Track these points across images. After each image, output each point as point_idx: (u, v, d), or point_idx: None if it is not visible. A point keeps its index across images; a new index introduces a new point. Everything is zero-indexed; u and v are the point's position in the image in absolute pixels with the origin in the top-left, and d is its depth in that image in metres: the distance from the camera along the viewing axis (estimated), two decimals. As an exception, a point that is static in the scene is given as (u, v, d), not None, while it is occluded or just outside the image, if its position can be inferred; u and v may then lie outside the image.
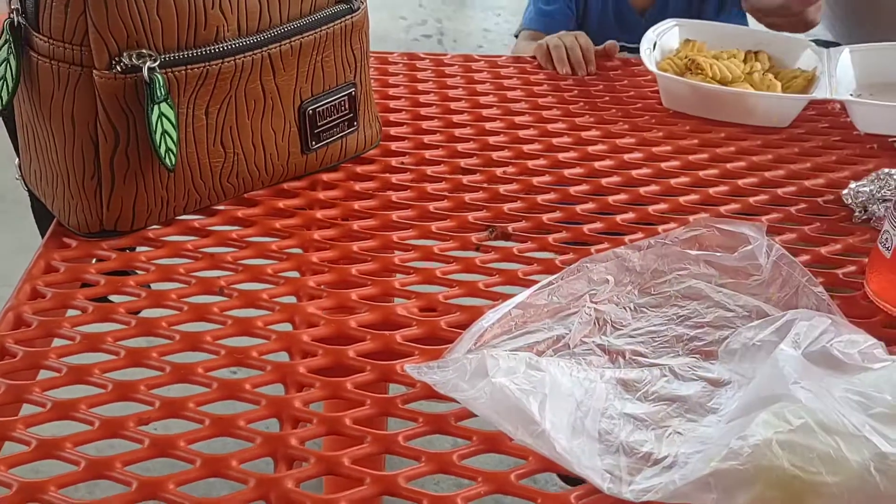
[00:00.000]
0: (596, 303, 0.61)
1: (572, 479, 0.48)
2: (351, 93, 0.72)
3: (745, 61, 0.95)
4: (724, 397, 0.54)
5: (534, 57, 1.04)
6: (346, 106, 0.72)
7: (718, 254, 0.64)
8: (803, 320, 0.55)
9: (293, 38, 0.65)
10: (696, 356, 0.58)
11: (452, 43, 3.27)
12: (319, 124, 0.70)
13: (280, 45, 0.64)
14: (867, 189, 0.74)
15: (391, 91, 0.93)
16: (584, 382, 0.54)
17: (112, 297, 0.61)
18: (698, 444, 0.49)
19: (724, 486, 0.44)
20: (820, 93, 0.87)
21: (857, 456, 0.44)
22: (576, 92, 0.96)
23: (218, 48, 0.60)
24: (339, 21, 0.68)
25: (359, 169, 0.77)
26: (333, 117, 0.71)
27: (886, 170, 0.75)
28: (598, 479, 0.47)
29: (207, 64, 0.60)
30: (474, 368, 0.52)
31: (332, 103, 0.71)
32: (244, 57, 0.62)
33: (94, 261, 0.64)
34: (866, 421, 0.46)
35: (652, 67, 0.89)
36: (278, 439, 0.49)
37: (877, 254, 0.63)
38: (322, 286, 0.62)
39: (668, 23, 0.99)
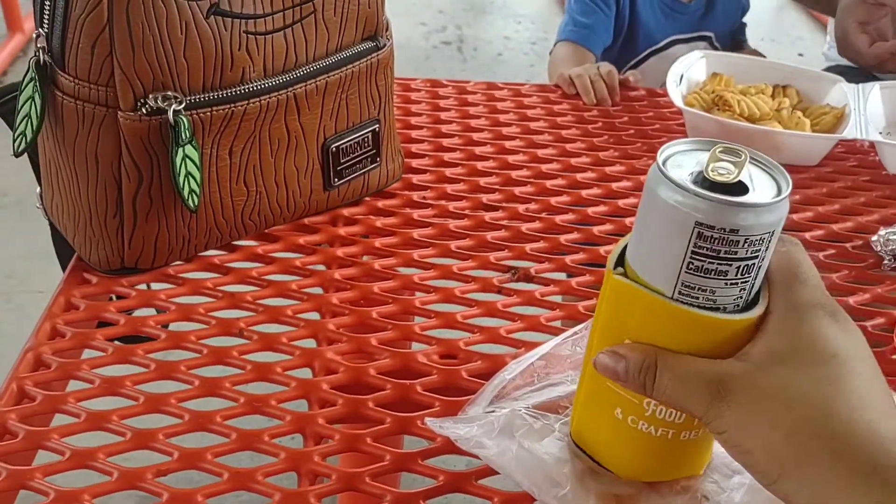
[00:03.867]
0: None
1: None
2: (375, 129, 0.71)
3: (773, 96, 0.94)
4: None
5: (557, 85, 1.03)
6: (370, 142, 0.71)
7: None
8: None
9: (318, 78, 0.64)
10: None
11: (472, 51, 3.26)
12: (342, 161, 0.70)
13: (305, 85, 0.63)
14: None
15: (413, 120, 0.92)
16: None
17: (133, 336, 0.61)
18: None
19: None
20: (850, 132, 0.86)
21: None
22: (600, 124, 0.95)
23: (243, 89, 0.60)
24: (365, 59, 0.67)
25: (380, 203, 0.77)
26: (356, 154, 0.71)
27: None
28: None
29: (233, 105, 0.60)
30: (501, 426, 0.51)
31: (356, 140, 0.70)
32: (269, 98, 0.61)
33: (113, 297, 0.64)
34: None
35: (678, 103, 0.87)
36: (296, 495, 0.49)
37: (907, 309, 0.62)
38: (342, 329, 0.62)
39: (695, 55, 0.98)
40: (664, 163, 0.43)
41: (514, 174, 0.84)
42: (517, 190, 0.81)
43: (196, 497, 0.48)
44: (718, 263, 0.41)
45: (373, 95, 0.70)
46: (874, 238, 0.75)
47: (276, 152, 0.65)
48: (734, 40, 1.34)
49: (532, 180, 0.83)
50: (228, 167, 0.62)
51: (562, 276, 0.70)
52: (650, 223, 0.43)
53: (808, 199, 0.83)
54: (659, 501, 0.50)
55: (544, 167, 0.85)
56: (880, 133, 0.91)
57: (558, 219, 0.77)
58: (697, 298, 0.42)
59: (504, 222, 0.76)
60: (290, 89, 0.63)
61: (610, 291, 0.45)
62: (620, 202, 0.80)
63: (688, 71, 0.96)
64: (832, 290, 0.70)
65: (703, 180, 0.42)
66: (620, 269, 0.44)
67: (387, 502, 0.49)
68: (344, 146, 0.69)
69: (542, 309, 0.66)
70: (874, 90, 0.93)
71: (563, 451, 0.51)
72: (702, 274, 0.42)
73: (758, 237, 0.41)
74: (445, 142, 0.89)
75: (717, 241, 0.41)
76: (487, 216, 0.76)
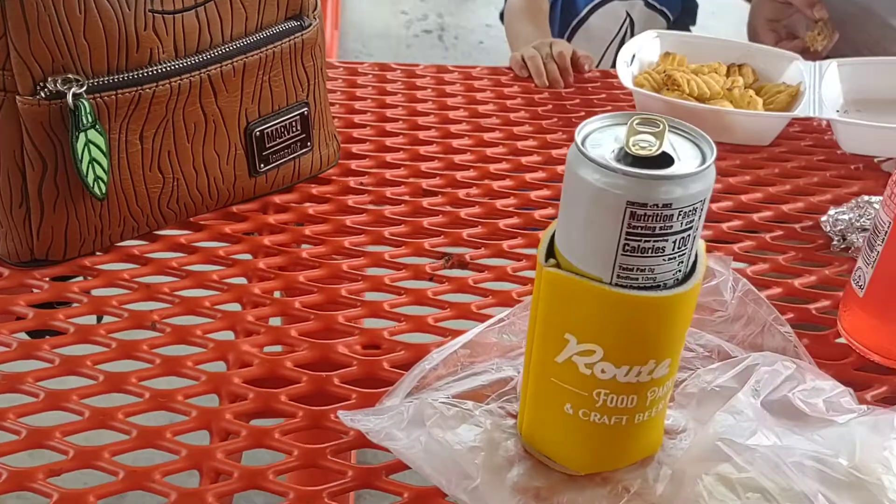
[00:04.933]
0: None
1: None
2: (303, 112, 0.69)
3: (728, 75, 0.92)
4: (677, 448, 0.51)
5: (510, 67, 1.01)
6: (298, 126, 0.69)
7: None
8: (765, 365, 0.52)
9: (236, 59, 0.62)
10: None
11: (453, 39, 3.23)
12: (268, 146, 0.67)
13: (221, 66, 0.61)
14: (846, 217, 0.70)
15: (358, 105, 0.90)
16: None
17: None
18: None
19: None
20: (802, 110, 0.83)
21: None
22: (550, 107, 0.93)
23: (151, 71, 0.57)
24: (288, 39, 0.64)
25: (314, 190, 0.74)
26: (284, 139, 0.68)
27: (866, 197, 0.71)
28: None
29: (140, 88, 0.57)
30: (411, 416, 0.49)
31: (282, 124, 0.67)
32: (181, 80, 0.59)
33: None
34: (819, 490, 0.42)
35: (627, 83, 0.85)
36: (193, 495, 0.46)
37: (850, 291, 0.59)
38: (261, 321, 0.59)
39: (649, 34, 0.96)
40: (583, 143, 0.41)
41: (458, 158, 0.81)
42: (459, 174, 0.78)
43: (88, 498, 0.46)
44: (655, 241, 0.39)
45: (300, 77, 0.67)
46: (823, 218, 0.72)
47: (193, 137, 0.62)
48: (689, 9, 1.33)
49: (475, 164, 0.80)
50: (140, 153, 0.60)
51: (498, 261, 0.67)
52: (577, 208, 0.40)
53: (759, 180, 0.80)
54: (579, 493, 0.48)
55: (489, 151, 0.83)
56: (837, 111, 0.89)
57: (499, 203, 0.74)
58: (637, 279, 0.40)
59: (443, 208, 0.73)
60: (203, 71, 0.60)
61: (545, 286, 0.42)
62: (565, 185, 0.77)
63: (640, 51, 0.93)
64: (779, 272, 0.68)
65: (625, 156, 0.40)
66: (553, 261, 0.42)
67: (289, 500, 0.46)
68: (269, 130, 0.67)
69: (474, 296, 0.63)
70: (831, 67, 0.91)
71: (479, 440, 0.49)
72: (639, 254, 0.40)
73: (690, 207, 0.39)
74: (389, 126, 0.86)
75: (650, 217, 0.39)
76: (426, 202, 0.74)
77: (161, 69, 0.58)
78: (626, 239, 0.39)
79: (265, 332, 0.58)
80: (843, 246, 0.70)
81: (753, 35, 1.18)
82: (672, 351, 0.43)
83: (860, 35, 1.08)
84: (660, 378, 0.44)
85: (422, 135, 0.85)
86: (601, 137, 0.41)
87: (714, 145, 0.40)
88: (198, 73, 0.60)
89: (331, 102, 0.89)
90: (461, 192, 0.76)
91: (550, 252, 0.43)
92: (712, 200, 0.77)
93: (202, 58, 0.60)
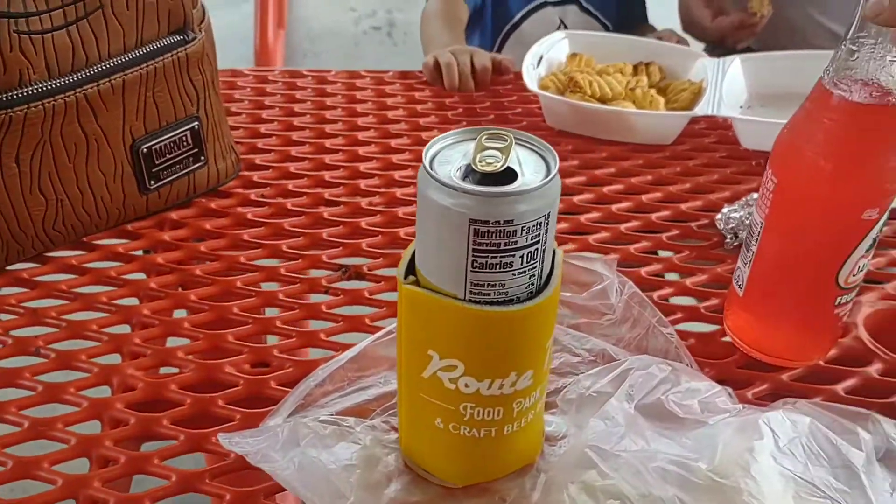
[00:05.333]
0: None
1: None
2: (194, 127, 0.68)
3: (635, 74, 0.93)
4: (556, 455, 0.52)
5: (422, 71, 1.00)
6: (190, 141, 0.68)
7: (567, 294, 0.61)
8: (639, 369, 0.53)
9: (114, 76, 0.61)
10: (537, 408, 0.55)
11: (403, 36, 3.21)
12: (158, 163, 0.66)
13: (98, 85, 0.60)
14: (737, 215, 0.72)
15: (265, 114, 0.89)
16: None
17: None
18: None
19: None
20: (701, 108, 0.85)
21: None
22: (460, 110, 0.93)
23: (22, 93, 0.56)
24: (171, 54, 0.64)
25: (213, 204, 0.73)
26: (175, 154, 0.67)
27: (755, 195, 0.72)
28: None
29: (11, 111, 0.56)
30: (286, 437, 0.49)
31: (172, 139, 0.67)
32: (55, 101, 0.58)
33: None
34: (677, 495, 0.43)
35: (531, 85, 0.85)
36: (65, 527, 0.46)
37: (732, 290, 0.60)
38: (148, 343, 0.58)
39: (557, 35, 0.96)
40: (431, 161, 0.41)
41: (363, 166, 0.81)
42: (363, 183, 0.78)
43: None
44: (501, 256, 0.40)
45: (188, 91, 0.67)
46: (718, 216, 0.74)
47: (75, 157, 0.61)
48: (629, 13, 1.31)
49: (380, 172, 0.80)
50: (18, 176, 0.59)
51: (395, 272, 0.67)
52: (428, 227, 0.41)
53: (660, 179, 0.81)
54: (457, 506, 0.48)
55: (395, 158, 0.83)
56: (741, 107, 0.91)
57: (401, 211, 0.74)
58: (489, 295, 0.41)
59: (344, 218, 0.73)
60: (79, 90, 0.59)
61: (405, 303, 0.43)
62: (468, 191, 0.77)
63: (548, 52, 0.94)
64: (673, 272, 0.69)
65: (472, 173, 0.40)
66: (412, 278, 0.42)
67: (163, 527, 0.46)
68: (157, 147, 0.66)
69: (369, 308, 0.63)
70: (734, 63, 0.92)
71: (356, 457, 0.49)
72: (488, 270, 0.40)
73: (534, 222, 0.39)
74: (296, 135, 0.85)
75: (494, 234, 0.39)
76: (327, 212, 0.74)
77: (33, 90, 0.57)
78: (473, 256, 0.40)
79: (151, 354, 0.58)
80: (735, 244, 0.71)
81: (687, 11, 1.19)
82: (533, 362, 0.44)
83: (783, 31, 1.11)
84: (524, 389, 0.44)
85: (328, 143, 0.84)
86: (451, 154, 0.42)
87: (556, 156, 0.41)
88: (73, 93, 0.59)
89: (237, 112, 0.89)
90: (364, 202, 0.75)
91: (411, 269, 0.43)
92: (613, 201, 0.78)
93: (77, 77, 0.59)
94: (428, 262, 0.42)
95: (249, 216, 0.72)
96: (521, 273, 0.41)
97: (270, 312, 0.62)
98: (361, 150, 0.83)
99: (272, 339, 0.60)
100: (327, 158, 0.82)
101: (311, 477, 0.47)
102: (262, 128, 0.86)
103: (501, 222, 0.39)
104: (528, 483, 0.49)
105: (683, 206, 0.77)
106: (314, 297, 0.64)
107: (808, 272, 0.54)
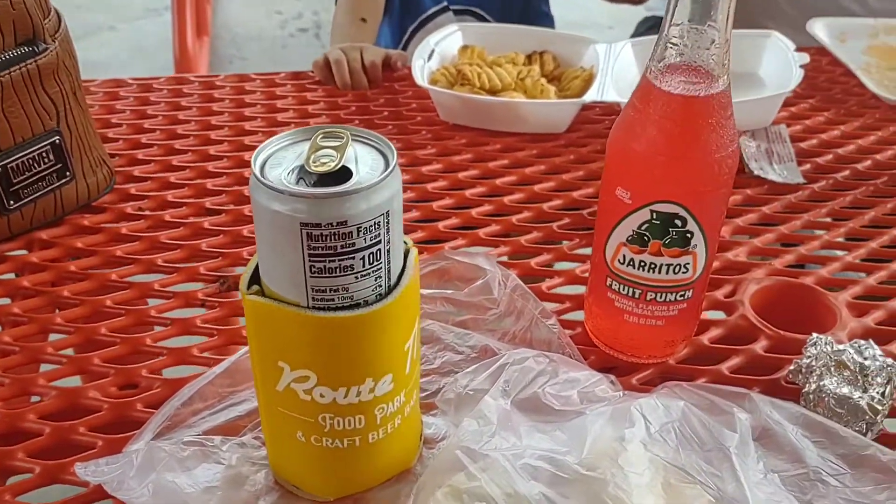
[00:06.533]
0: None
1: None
2: (55, 141, 0.65)
3: (529, 63, 0.92)
4: (434, 458, 0.50)
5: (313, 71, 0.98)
6: (51, 156, 0.65)
7: (449, 291, 0.60)
8: (515, 364, 0.52)
9: (-46, 93, 0.57)
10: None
11: (328, 36, 3.17)
12: (16, 181, 0.63)
13: (-63, 103, 0.56)
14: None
15: (147, 123, 0.86)
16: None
17: None
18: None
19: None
20: (589, 95, 0.84)
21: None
22: (353, 108, 0.91)
23: None
24: (18, 67, 0.60)
25: (86, 221, 0.70)
26: (36, 171, 0.64)
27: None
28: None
29: None
30: (140, 463, 0.46)
31: (30, 156, 0.63)
32: None
33: None
34: (542, 492, 0.42)
35: (420, 80, 0.84)
36: None
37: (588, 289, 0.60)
38: (7, 372, 0.55)
39: (450, 28, 0.95)
40: (262, 165, 0.39)
41: (247, 172, 0.78)
42: (247, 190, 0.75)
43: None
44: (340, 259, 0.38)
45: (44, 105, 0.63)
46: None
47: (-82, 181, 0.57)
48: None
49: (266, 177, 0.78)
50: None
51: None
52: (263, 234, 0.39)
53: (553, 168, 0.80)
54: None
55: (283, 161, 0.80)
56: (634, 92, 0.90)
57: (286, 216, 0.72)
58: (333, 300, 0.39)
59: (225, 227, 0.70)
60: (-86, 109, 0.55)
61: (250, 314, 0.41)
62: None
63: (440, 45, 0.92)
64: (563, 261, 0.68)
65: (307, 174, 0.38)
66: (256, 288, 0.40)
67: (10, 570, 0.43)
68: (14, 165, 0.62)
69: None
70: (626, 48, 0.92)
71: (219, 478, 0.47)
72: (328, 275, 0.38)
73: (371, 222, 0.37)
74: (179, 143, 0.82)
75: (328, 237, 0.37)
76: (207, 222, 0.71)
77: None
78: (310, 261, 0.38)
79: (10, 383, 0.54)
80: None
81: None
82: (391, 366, 0.42)
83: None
84: (385, 395, 0.43)
85: (213, 150, 0.81)
86: (283, 156, 0.40)
87: (395, 150, 0.39)
88: None
89: (117, 123, 0.85)
90: (247, 209, 0.73)
91: (256, 279, 0.41)
92: (505, 193, 0.77)
93: (-88, 95, 0.55)
94: (269, 270, 0.40)
95: (124, 231, 0.69)
96: (366, 276, 0.39)
97: (137, 331, 0.59)
98: (247, 156, 0.81)
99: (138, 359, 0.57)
100: (210, 166, 0.79)
101: (167, 503, 0.44)
102: (144, 138, 0.83)
103: (335, 224, 0.37)
104: (404, 490, 0.47)
105: (575, 194, 0.76)
106: (189, 312, 0.61)
107: (596, 258, 0.55)
